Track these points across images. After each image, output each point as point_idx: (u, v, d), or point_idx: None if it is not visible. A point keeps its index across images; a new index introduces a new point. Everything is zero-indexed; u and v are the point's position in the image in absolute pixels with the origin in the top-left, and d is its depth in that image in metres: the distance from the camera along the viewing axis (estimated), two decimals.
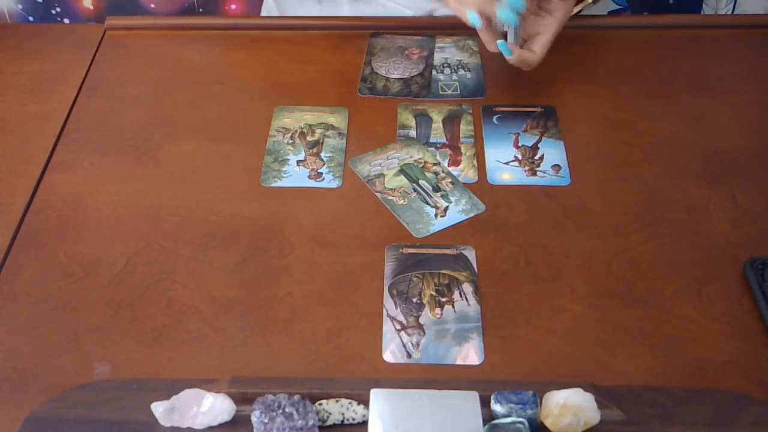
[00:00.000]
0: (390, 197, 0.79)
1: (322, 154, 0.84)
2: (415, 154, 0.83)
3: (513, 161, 0.83)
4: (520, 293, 0.70)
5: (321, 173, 0.81)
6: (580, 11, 1.00)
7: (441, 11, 1.04)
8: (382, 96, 0.91)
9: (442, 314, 0.68)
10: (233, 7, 1.54)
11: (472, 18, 0.84)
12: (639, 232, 0.75)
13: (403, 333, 0.67)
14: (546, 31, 0.87)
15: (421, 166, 0.82)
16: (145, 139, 0.86)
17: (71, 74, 0.95)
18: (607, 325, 0.67)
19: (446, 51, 0.97)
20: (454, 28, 0.99)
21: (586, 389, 0.60)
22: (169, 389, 0.62)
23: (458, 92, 0.92)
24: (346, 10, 1.06)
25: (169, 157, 0.84)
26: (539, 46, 0.87)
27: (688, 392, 0.62)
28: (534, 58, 0.87)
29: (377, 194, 0.79)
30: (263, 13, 1.17)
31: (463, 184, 0.80)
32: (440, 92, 0.91)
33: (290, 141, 0.85)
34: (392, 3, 1.06)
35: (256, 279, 0.72)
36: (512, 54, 0.85)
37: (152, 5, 1.50)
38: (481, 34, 0.87)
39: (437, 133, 0.86)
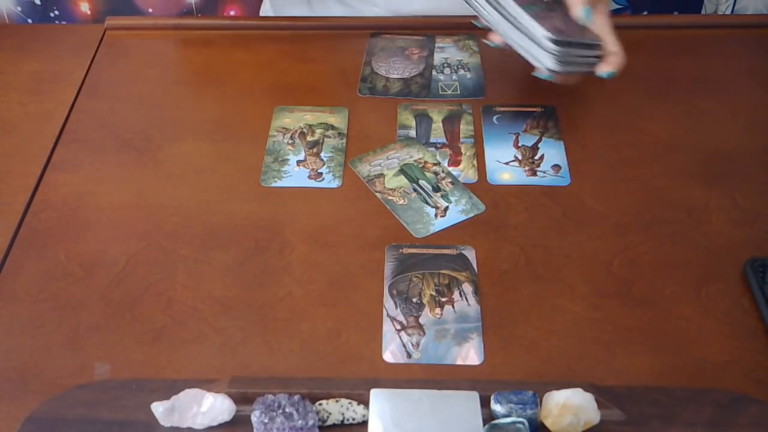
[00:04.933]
0: (390, 197, 0.79)
1: (322, 154, 0.84)
2: (415, 154, 0.83)
3: (513, 161, 0.83)
4: (520, 293, 0.70)
5: (321, 173, 0.81)
6: None
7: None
8: (382, 96, 0.91)
9: (442, 314, 0.68)
10: (232, 13, 1.54)
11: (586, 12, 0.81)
12: (639, 232, 0.75)
13: (403, 333, 0.67)
14: (602, 25, 0.82)
15: (421, 166, 0.82)
16: (145, 139, 0.86)
17: (71, 74, 0.95)
18: (607, 325, 0.67)
19: (446, 51, 0.97)
20: (454, 28, 0.99)
21: (586, 389, 0.60)
22: (169, 389, 0.62)
23: (458, 92, 0.91)
24: (333, 11, 1.06)
25: (169, 157, 0.84)
26: (612, 43, 0.82)
27: (688, 392, 0.62)
28: (622, 57, 0.82)
29: (377, 194, 0.79)
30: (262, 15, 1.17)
31: (463, 184, 0.80)
32: (440, 92, 0.91)
33: (290, 141, 0.85)
34: (375, 8, 1.05)
35: (256, 279, 0.72)
36: (619, 61, 0.81)
37: (150, 9, 1.50)
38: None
39: (437, 133, 0.86)
